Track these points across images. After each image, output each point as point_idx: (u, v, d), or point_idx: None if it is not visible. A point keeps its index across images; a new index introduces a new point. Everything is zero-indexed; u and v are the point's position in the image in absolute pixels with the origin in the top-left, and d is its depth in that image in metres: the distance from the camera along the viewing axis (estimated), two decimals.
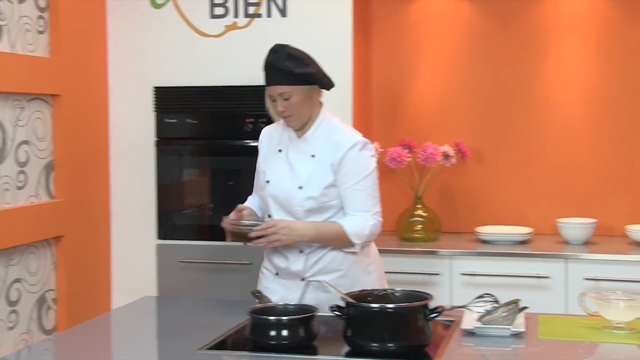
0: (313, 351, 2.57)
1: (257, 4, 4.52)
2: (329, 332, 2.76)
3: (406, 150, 4.55)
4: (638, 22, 4.66)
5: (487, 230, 4.56)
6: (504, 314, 2.70)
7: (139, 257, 4.68)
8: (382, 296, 2.71)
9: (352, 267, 3.24)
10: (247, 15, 4.54)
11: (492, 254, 4.30)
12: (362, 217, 3.18)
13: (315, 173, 3.19)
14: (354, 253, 3.21)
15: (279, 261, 3.26)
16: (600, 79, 4.72)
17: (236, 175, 4.62)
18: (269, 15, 4.53)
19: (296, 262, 3.22)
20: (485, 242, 4.52)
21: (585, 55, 4.75)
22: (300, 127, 3.25)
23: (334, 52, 4.42)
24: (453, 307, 2.82)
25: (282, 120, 3.28)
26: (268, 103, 3.24)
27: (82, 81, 4.48)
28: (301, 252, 3.21)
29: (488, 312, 2.74)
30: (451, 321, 2.84)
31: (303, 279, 3.23)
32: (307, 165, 3.22)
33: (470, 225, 4.71)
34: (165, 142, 4.65)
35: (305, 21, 4.50)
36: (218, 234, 4.43)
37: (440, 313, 2.56)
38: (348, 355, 2.54)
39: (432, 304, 2.57)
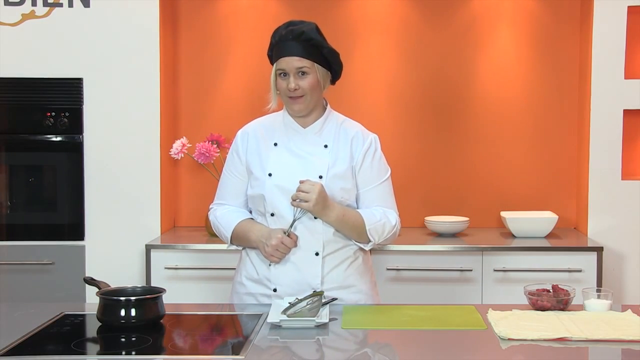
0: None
1: None
2: None
3: (214, 146, 4.49)
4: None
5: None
6: (307, 306, 2.66)
7: None
8: None
9: (364, 276, 3.10)
10: (46, 4, 4.37)
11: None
12: (386, 213, 3.02)
13: (333, 162, 2.96)
14: (364, 254, 3.09)
15: (283, 271, 2.98)
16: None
17: (37, 171, 4.45)
18: (70, 5, 4.37)
19: (311, 268, 2.98)
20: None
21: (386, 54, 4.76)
22: (304, 116, 3.01)
23: (140, 46, 4.39)
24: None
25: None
26: (273, 79, 2.97)
27: None
28: (317, 254, 2.97)
29: (292, 305, 2.70)
30: None
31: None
32: (322, 154, 2.98)
33: None
34: None
35: (109, 13, 4.40)
36: (18, 233, 4.39)
37: None
38: None
39: None
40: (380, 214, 3.00)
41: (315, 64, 2.93)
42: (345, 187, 2.98)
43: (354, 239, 3.01)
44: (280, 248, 2.90)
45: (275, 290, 2.98)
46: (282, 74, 2.94)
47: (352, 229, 2.96)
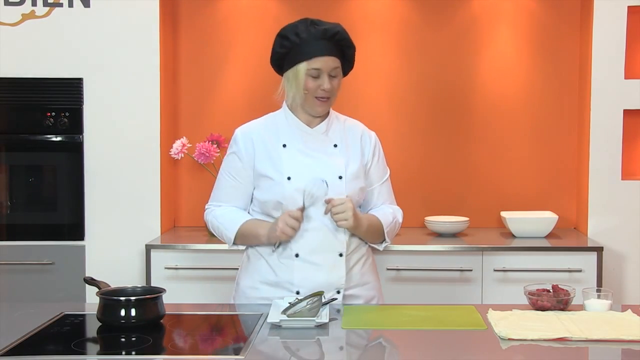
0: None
1: None
2: None
3: (214, 146, 4.49)
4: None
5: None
6: (307, 306, 2.66)
7: None
8: None
9: (375, 273, 3.12)
10: (46, 4, 4.37)
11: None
12: (394, 212, 3.05)
13: (347, 162, 2.94)
14: (373, 253, 3.10)
15: (307, 274, 2.92)
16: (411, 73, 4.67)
17: (37, 171, 4.45)
18: (70, 4, 4.38)
19: (336, 269, 2.94)
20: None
21: (386, 52, 4.72)
22: (319, 116, 2.97)
23: (140, 46, 4.40)
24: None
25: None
26: (303, 78, 2.87)
27: None
28: (340, 255, 2.93)
29: (292, 305, 2.69)
30: None
31: (338, 292, 2.93)
32: (335, 155, 2.95)
33: None
34: None
35: (109, 13, 4.41)
36: (18, 233, 4.39)
37: None
38: None
39: None
40: (391, 214, 3.03)
41: (341, 65, 2.91)
42: (361, 186, 2.98)
43: (372, 241, 3.03)
44: (291, 222, 2.83)
45: (298, 292, 2.92)
46: (314, 75, 2.87)
47: (374, 234, 2.98)
